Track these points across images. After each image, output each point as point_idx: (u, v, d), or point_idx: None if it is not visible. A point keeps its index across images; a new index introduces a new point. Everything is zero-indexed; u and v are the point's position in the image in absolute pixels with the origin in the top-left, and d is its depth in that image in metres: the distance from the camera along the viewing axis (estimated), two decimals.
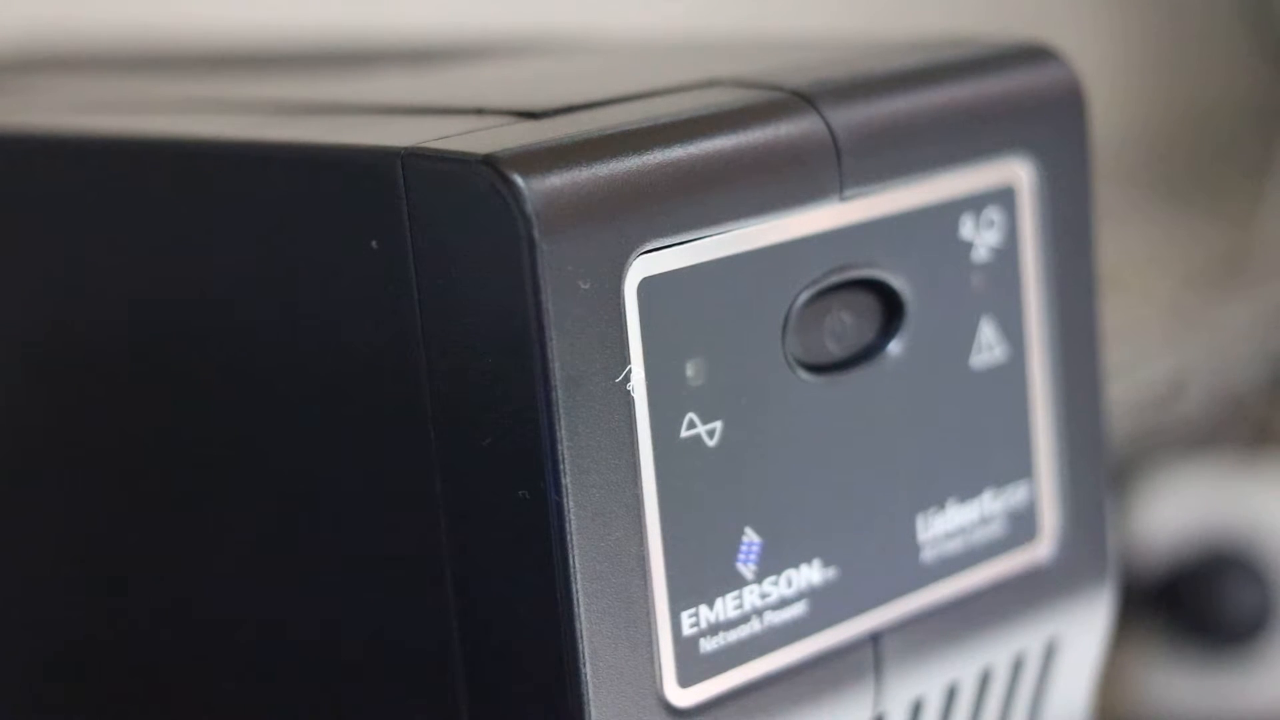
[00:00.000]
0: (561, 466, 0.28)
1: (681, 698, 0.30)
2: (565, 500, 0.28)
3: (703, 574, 0.30)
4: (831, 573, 0.31)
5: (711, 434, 0.30)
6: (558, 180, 0.28)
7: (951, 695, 0.34)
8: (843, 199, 0.31)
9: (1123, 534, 0.60)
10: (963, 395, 0.33)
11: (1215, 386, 0.72)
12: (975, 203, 0.32)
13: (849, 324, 0.31)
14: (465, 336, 0.28)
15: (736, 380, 0.30)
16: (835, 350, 0.31)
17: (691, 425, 0.29)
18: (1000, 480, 0.33)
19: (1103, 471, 0.35)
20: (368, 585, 0.31)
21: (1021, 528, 0.34)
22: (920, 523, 0.32)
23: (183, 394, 0.33)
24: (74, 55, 0.52)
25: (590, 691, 0.28)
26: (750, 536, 0.30)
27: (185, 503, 0.34)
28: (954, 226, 0.32)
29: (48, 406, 0.36)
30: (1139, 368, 0.71)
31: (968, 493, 0.33)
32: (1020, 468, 0.34)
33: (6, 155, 0.36)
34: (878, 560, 0.32)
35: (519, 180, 0.27)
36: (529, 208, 0.27)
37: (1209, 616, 0.60)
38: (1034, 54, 0.34)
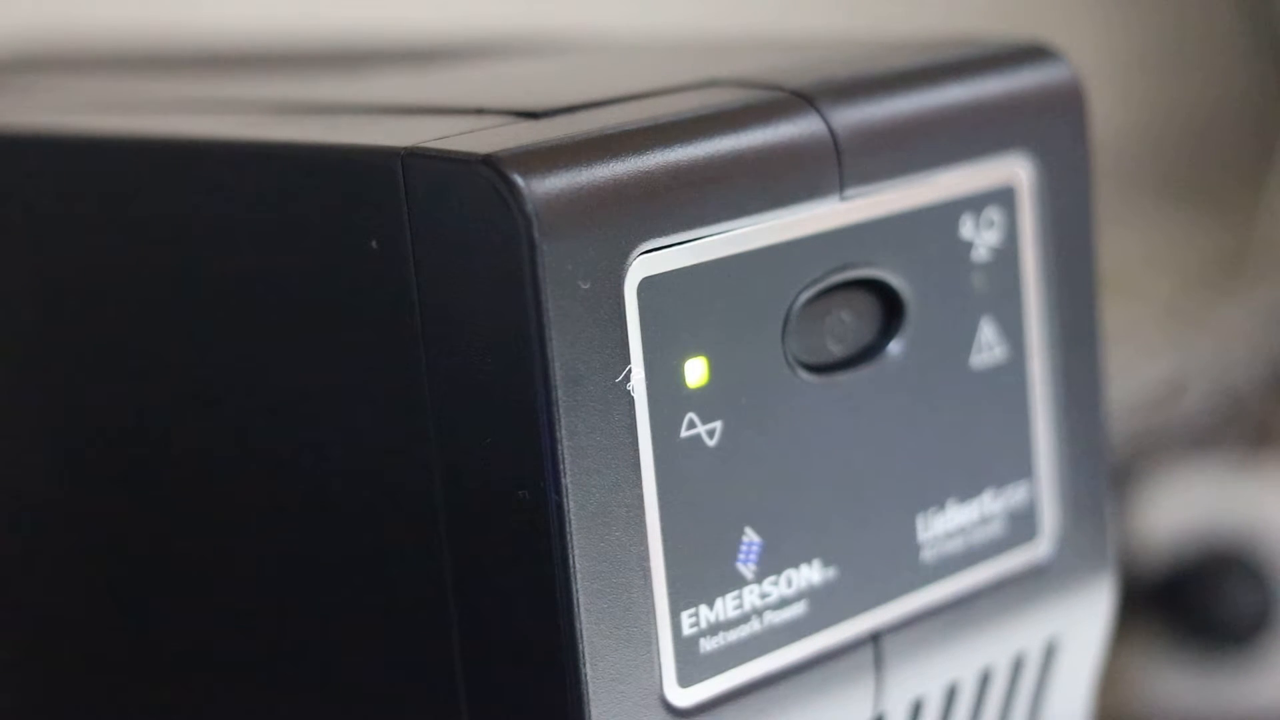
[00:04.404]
0: (561, 466, 0.28)
1: (681, 698, 0.30)
2: (565, 500, 0.28)
3: (703, 574, 0.30)
4: (831, 573, 0.31)
5: (711, 434, 0.30)
6: (558, 180, 0.28)
7: (952, 695, 0.34)
8: (843, 199, 0.31)
9: (1123, 534, 0.60)
10: (963, 395, 0.33)
11: (1215, 386, 0.72)
12: (975, 202, 0.32)
13: (849, 324, 0.31)
14: (465, 336, 0.28)
15: (737, 380, 0.30)
16: (835, 350, 0.31)
17: (691, 425, 0.29)
18: (1000, 480, 0.33)
19: (1103, 471, 0.35)
20: (367, 585, 0.31)
21: (1021, 527, 0.34)
22: (920, 522, 0.32)
23: (181, 394, 0.33)
24: (74, 55, 0.52)
25: (590, 691, 0.28)
26: (750, 536, 0.30)
27: (183, 502, 0.34)
28: (954, 226, 0.32)
29: (46, 403, 0.36)
30: (1139, 368, 0.71)
31: (968, 493, 0.33)
32: (1020, 468, 0.34)
33: (7, 155, 0.36)
34: (878, 560, 0.32)
35: (519, 180, 0.27)
36: (529, 208, 0.27)
37: (1209, 616, 0.60)
38: (1034, 54, 0.34)
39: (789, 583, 0.31)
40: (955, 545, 0.33)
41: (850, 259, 0.31)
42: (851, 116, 0.31)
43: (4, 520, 0.38)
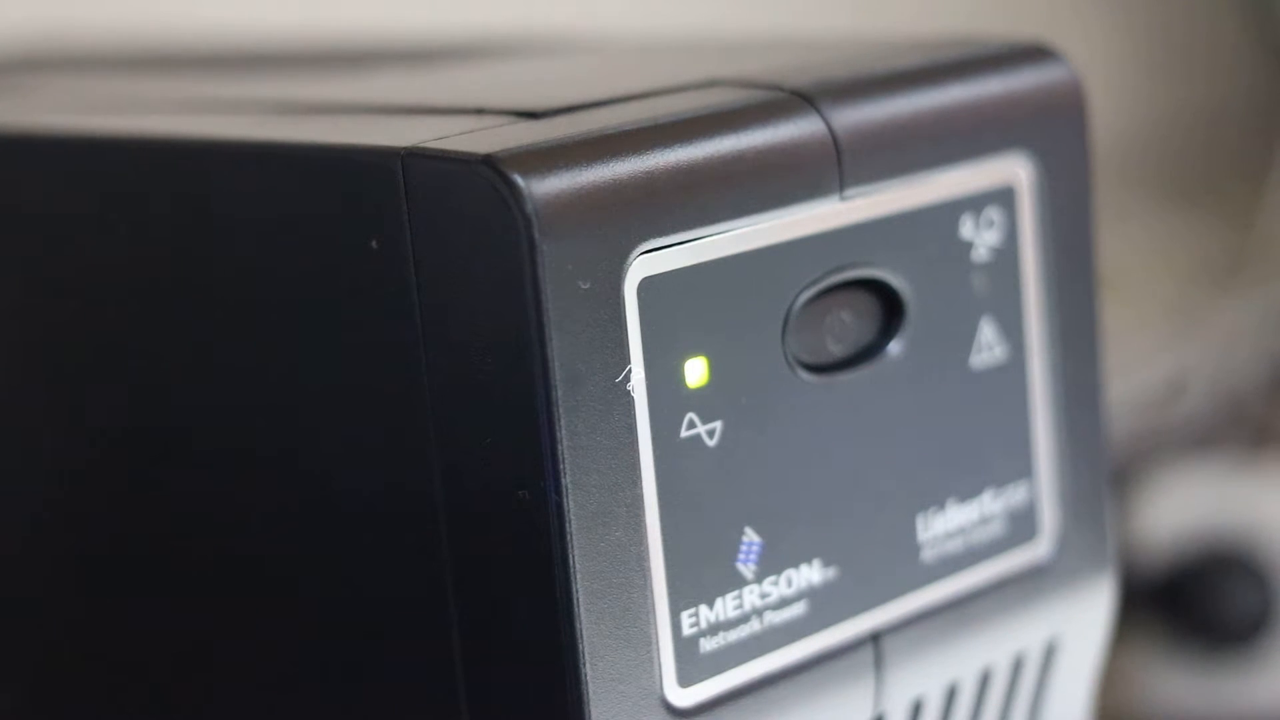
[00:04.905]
0: (561, 466, 0.28)
1: (681, 698, 0.30)
2: (565, 500, 0.28)
3: (703, 574, 0.30)
4: (831, 573, 0.31)
5: (711, 434, 0.30)
6: (558, 180, 0.28)
7: (951, 695, 0.34)
8: (843, 199, 0.31)
9: (1123, 534, 0.60)
10: (963, 395, 0.33)
11: (1215, 386, 0.72)
12: (975, 203, 0.32)
13: (849, 324, 0.31)
14: (465, 336, 0.28)
15: (736, 380, 0.30)
16: (835, 350, 0.31)
17: (691, 425, 0.29)
18: (1000, 480, 0.33)
19: (1103, 471, 0.35)
20: (367, 585, 0.31)
21: (1021, 527, 0.34)
22: (920, 523, 0.32)
23: (181, 393, 0.33)
24: (74, 55, 0.52)
25: (590, 691, 0.28)
26: (750, 536, 0.30)
27: (183, 502, 0.34)
28: (954, 226, 0.32)
29: (46, 403, 0.36)
30: (1139, 368, 0.71)
31: (968, 493, 0.33)
32: (1020, 468, 0.34)
33: (6, 155, 0.36)
34: (878, 560, 0.32)
35: (519, 180, 0.27)
36: (529, 208, 0.27)
37: (1209, 616, 0.60)
38: (1034, 53, 0.34)
39: (789, 583, 0.31)
40: (955, 545, 0.33)
41: (850, 259, 0.31)
42: (851, 116, 0.31)
43: (4, 520, 0.38)
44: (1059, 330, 0.34)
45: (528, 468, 0.28)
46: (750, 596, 0.30)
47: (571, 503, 0.28)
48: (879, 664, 0.32)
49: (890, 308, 0.32)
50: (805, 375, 0.31)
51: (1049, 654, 0.35)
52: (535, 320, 0.27)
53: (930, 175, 0.32)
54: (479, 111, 0.31)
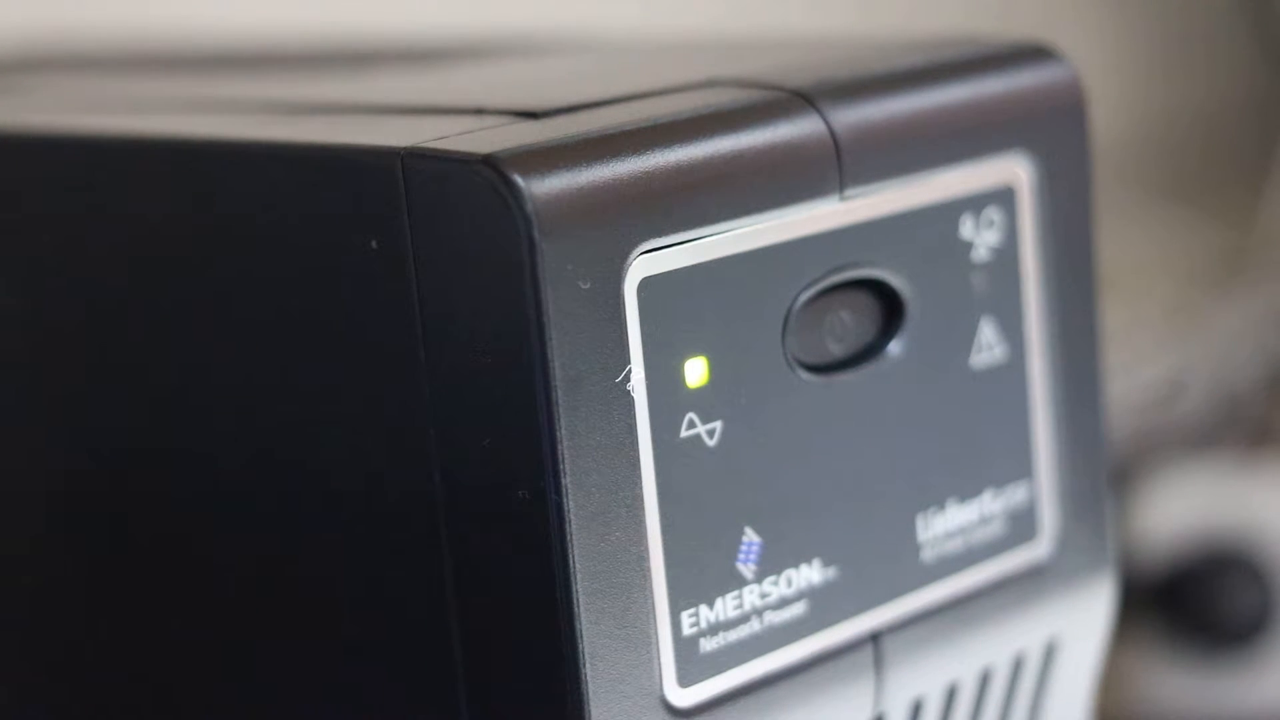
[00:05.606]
0: (561, 466, 0.28)
1: (681, 698, 0.30)
2: (565, 500, 0.28)
3: (703, 574, 0.30)
4: (831, 573, 0.31)
5: (711, 434, 0.30)
6: (558, 180, 0.28)
7: (951, 695, 0.34)
8: (843, 199, 0.31)
9: (1123, 534, 0.60)
10: (963, 395, 0.33)
11: (1215, 386, 0.72)
12: (975, 202, 0.32)
13: (849, 324, 0.31)
14: (465, 336, 0.28)
15: (736, 380, 0.30)
16: (835, 350, 0.31)
17: (691, 425, 0.29)
18: (1000, 480, 0.33)
19: (1103, 471, 0.35)
20: (367, 586, 0.31)
21: (1021, 527, 0.34)
22: (920, 523, 0.32)
23: (181, 394, 0.33)
24: (74, 55, 0.52)
25: (590, 691, 0.28)
26: (750, 536, 0.30)
27: (182, 502, 0.34)
28: (954, 226, 0.32)
29: (46, 404, 0.36)
30: (1139, 368, 0.71)
31: (968, 493, 0.33)
32: (1020, 468, 0.34)
33: (6, 155, 0.36)
34: (878, 560, 0.32)
35: (519, 180, 0.27)
36: (529, 208, 0.27)
37: (1209, 616, 0.60)
38: (1034, 53, 0.34)
39: (789, 583, 0.31)
40: (955, 545, 0.33)
41: (850, 259, 0.31)
42: (851, 116, 0.31)
43: (4, 521, 0.38)
44: (1059, 330, 0.34)
45: (528, 468, 0.28)
46: (750, 596, 0.30)
47: (571, 503, 0.28)
48: (879, 664, 0.32)
49: (890, 308, 0.32)
50: (805, 375, 0.31)
51: (1049, 654, 0.35)
52: (535, 320, 0.27)
53: (930, 175, 0.32)
54: (479, 111, 0.31)
